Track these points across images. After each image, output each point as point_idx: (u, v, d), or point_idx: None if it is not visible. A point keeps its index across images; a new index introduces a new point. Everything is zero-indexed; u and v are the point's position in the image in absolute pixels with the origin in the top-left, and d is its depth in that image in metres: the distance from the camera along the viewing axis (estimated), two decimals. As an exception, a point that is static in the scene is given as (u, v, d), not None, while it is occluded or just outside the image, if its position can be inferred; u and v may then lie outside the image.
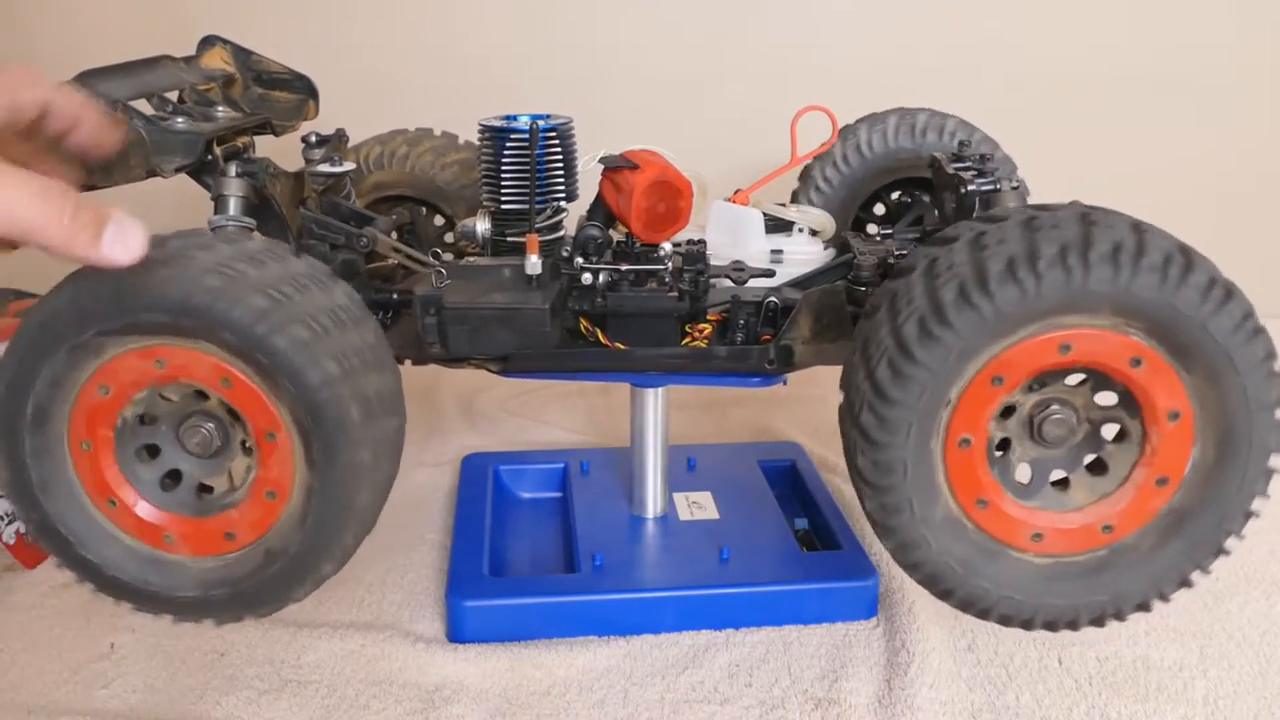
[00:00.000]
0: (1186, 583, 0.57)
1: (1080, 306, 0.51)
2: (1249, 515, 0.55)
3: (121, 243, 0.46)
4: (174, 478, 0.57)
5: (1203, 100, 1.22)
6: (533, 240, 0.64)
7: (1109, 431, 0.57)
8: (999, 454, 0.57)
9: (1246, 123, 1.24)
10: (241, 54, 0.76)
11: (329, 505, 0.53)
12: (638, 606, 0.67)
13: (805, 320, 0.66)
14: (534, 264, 0.64)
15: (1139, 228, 0.52)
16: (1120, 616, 0.57)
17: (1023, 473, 0.58)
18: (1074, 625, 0.58)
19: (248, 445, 0.55)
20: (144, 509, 0.56)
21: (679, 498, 0.79)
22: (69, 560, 0.56)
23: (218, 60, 0.75)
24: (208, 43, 0.75)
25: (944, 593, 0.58)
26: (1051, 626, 0.58)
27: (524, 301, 0.63)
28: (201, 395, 0.55)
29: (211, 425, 0.55)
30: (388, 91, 1.17)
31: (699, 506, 0.78)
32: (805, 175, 0.84)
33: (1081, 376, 0.56)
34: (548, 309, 0.63)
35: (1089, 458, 0.58)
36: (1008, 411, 0.57)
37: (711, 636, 0.67)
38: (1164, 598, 0.57)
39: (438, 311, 0.63)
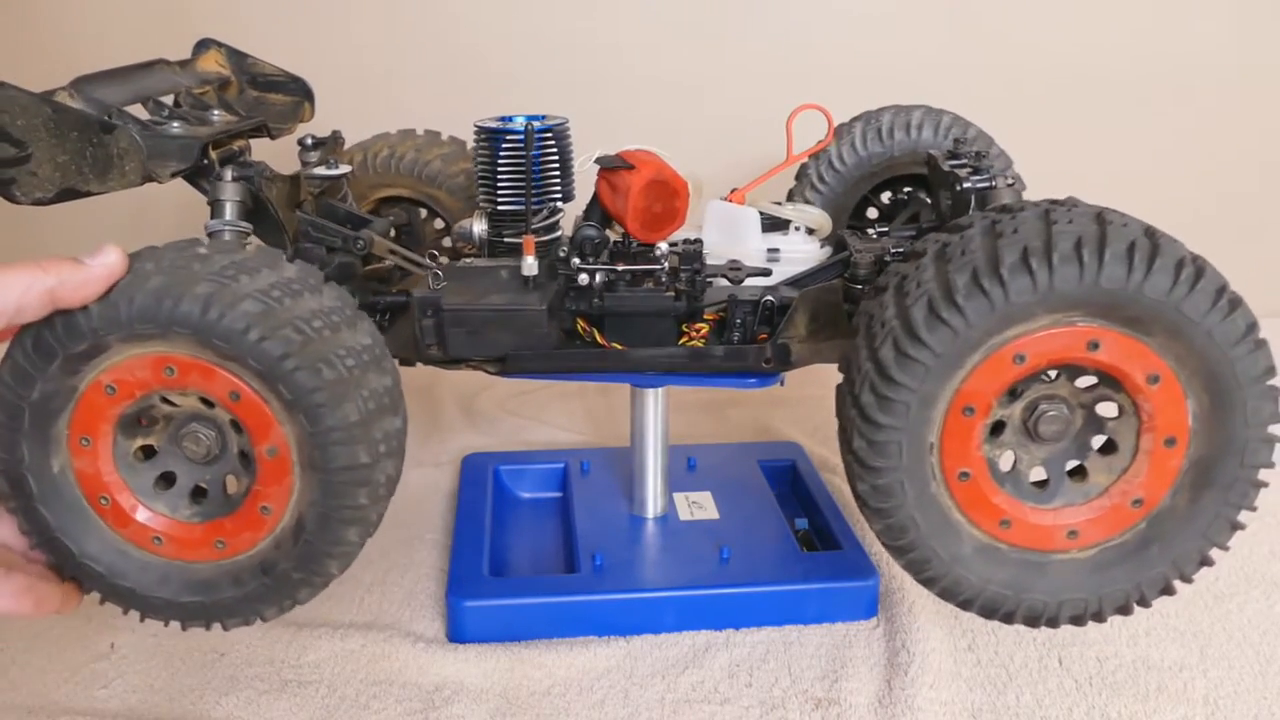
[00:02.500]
0: (1237, 525, 0.56)
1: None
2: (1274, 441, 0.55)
3: (99, 258, 0.49)
4: (168, 480, 0.56)
5: (1200, 99, 1.22)
6: (529, 241, 0.64)
7: (1106, 410, 0.57)
8: (1005, 470, 0.57)
9: (1243, 121, 1.23)
10: (236, 56, 0.75)
11: (329, 507, 0.52)
12: (638, 606, 0.67)
13: (802, 318, 0.66)
14: (530, 265, 0.64)
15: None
16: (1185, 579, 0.57)
17: (1036, 474, 0.58)
18: (1143, 602, 0.57)
19: (245, 454, 0.55)
20: (139, 510, 0.55)
21: (679, 498, 0.79)
22: (77, 571, 0.55)
23: (213, 63, 0.75)
24: (203, 46, 0.75)
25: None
26: (1123, 610, 0.57)
27: (521, 302, 0.63)
28: (207, 403, 0.55)
29: (212, 433, 0.54)
30: (385, 92, 1.17)
31: (699, 506, 0.78)
32: (801, 174, 0.83)
33: (1055, 373, 0.56)
34: (545, 310, 0.63)
35: (1097, 441, 0.57)
36: (998, 427, 0.57)
37: (711, 636, 0.67)
38: (1222, 547, 0.56)
39: (435, 313, 0.63)
